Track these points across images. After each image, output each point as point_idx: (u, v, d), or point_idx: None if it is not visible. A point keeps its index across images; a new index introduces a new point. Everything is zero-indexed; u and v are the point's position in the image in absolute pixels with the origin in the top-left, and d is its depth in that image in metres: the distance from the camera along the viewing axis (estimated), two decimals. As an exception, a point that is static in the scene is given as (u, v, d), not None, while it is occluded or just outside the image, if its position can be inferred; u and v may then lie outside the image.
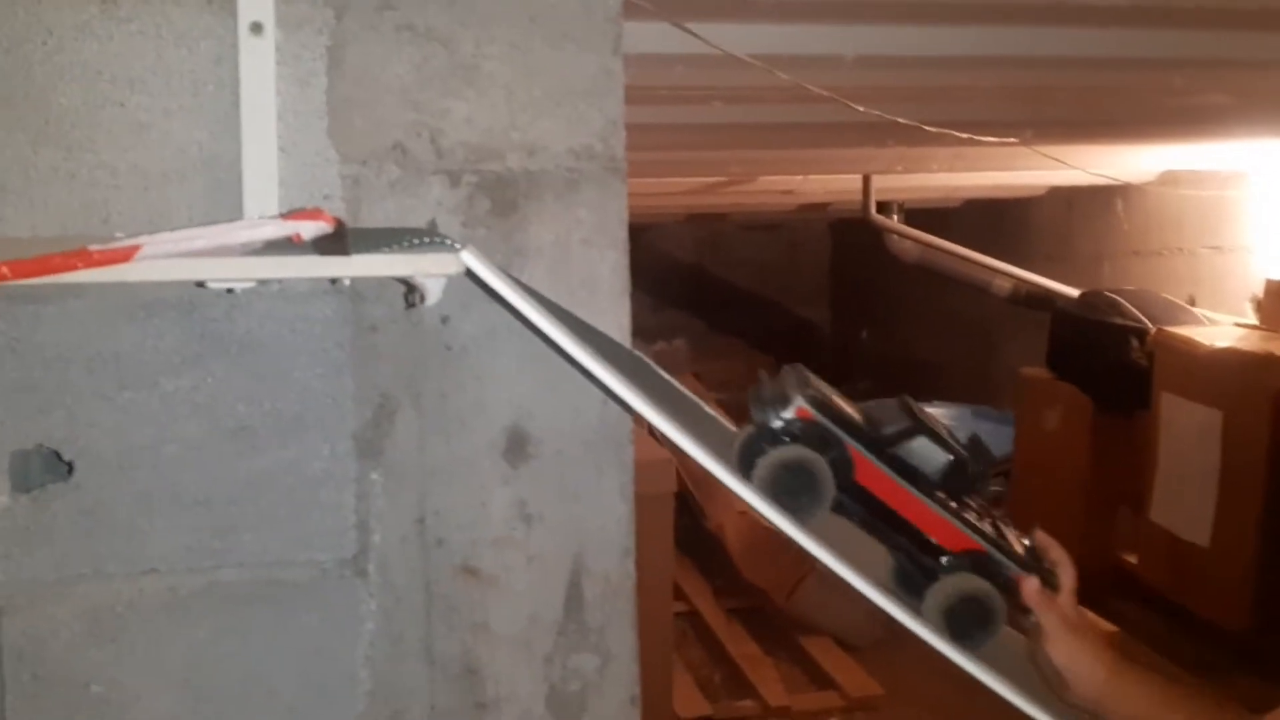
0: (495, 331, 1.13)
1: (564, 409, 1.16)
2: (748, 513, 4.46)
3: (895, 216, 5.75)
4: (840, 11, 1.72)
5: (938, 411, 6.54)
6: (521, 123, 1.13)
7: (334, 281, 1.01)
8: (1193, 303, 4.58)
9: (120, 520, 1.06)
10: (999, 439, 5.85)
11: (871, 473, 1.06)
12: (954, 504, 1.10)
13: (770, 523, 1.00)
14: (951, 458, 1.08)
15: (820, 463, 1.02)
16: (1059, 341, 4.66)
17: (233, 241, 0.77)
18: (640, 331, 1.20)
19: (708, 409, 1.31)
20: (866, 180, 5.15)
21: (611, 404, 1.16)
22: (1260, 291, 4.16)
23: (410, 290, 0.99)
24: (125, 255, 0.71)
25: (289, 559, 1.10)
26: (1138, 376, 4.04)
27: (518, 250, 1.14)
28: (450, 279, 0.97)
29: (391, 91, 1.10)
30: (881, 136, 2.98)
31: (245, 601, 1.09)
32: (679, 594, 4.39)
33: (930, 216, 6.06)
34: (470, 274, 0.82)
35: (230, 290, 1.00)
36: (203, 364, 1.06)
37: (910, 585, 1.10)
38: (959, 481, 1.09)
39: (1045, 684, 1.12)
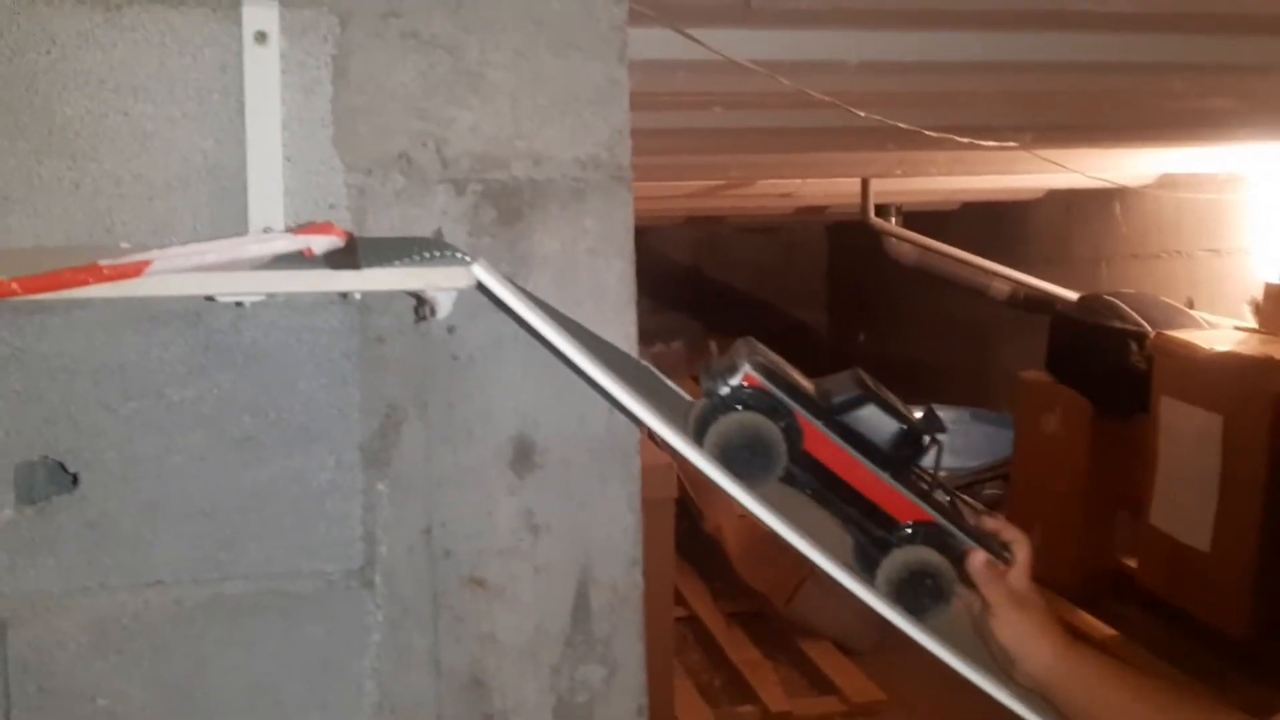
0: (501, 341, 1.12)
1: (570, 418, 1.15)
2: (746, 516, 4.45)
3: (894, 219, 5.75)
4: (843, 18, 1.72)
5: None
6: (527, 131, 1.13)
7: (344, 295, 1.01)
8: (1191, 306, 4.57)
9: (125, 532, 1.05)
10: (998, 442, 5.86)
11: (820, 441, 1.05)
12: (906, 475, 1.09)
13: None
14: (902, 426, 1.07)
15: (769, 426, 1.02)
16: (1058, 345, 4.65)
17: (243, 256, 0.76)
18: (638, 333, 1.20)
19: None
20: (865, 183, 5.14)
21: (618, 414, 1.16)
22: (1259, 295, 4.17)
23: (421, 304, 0.99)
24: (136, 270, 0.70)
25: (295, 570, 1.09)
26: (1137, 380, 4.04)
27: (523, 259, 1.13)
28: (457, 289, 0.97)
29: (396, 100, 1.10)
30: (881, 141, 2.98)
31: (251, 613, 1.08)
32: (678, 598, 4.39)
33: (928, 219, 6.06)
34: (481, 287, 0.81)
35: (239, 303, 0.99)
36: (208, 374, 1.06)
37: (866, 561, 1.10)
38: (910, 451, 1.08)
39: (995, 663, 1.10)
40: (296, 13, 1.06)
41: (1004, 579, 1.10)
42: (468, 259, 0.82)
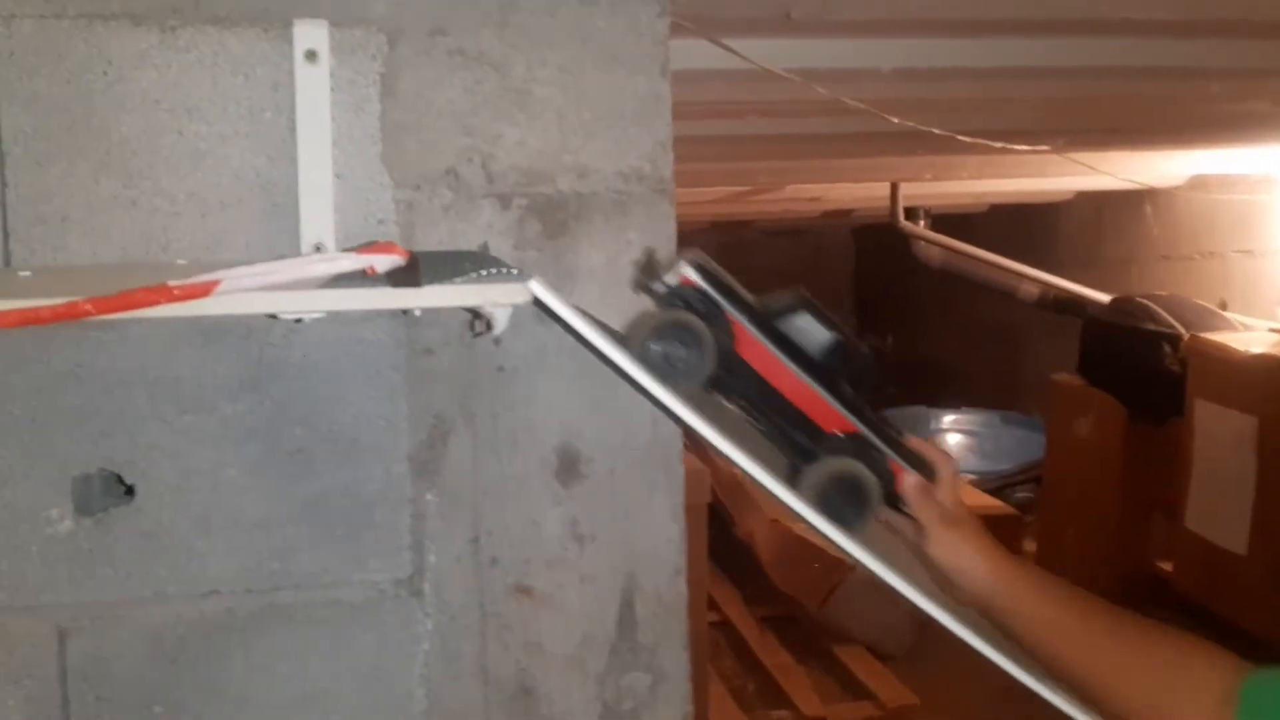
0: (545, 352, 1.14)
1: (615, 428, 1.16)
2: (779, 520, 4.46)
3: (921, 222, 5.74)
4: (881, 27, 1.72)
5: (966, 418, 6.54)
6: (572, 146, 1.14)
7: (405, 311, 1.02)
8: (1224, 307, 4.54)
9: (180, 543, 1.07)
10: (1029, 446, 5.85)
11: (752, 345, 1.05)
12: (837, 388, 1.09)
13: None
14: (835, 336, 1.08)
15: (699, 324, 1.00)
16: (1090, 348, 4.63)
17: (309, 275, 0.78)
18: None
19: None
20: (895, 187, 5.14)
21: (662, 423, 1.17)
22: (1293, 296, 4.14)
23: (476, 318, 1.00)
24: (205, 290, 0.72)
25: (346, 579, 1.11)
26: (1171, 383, 4.01)
27: (568, 272, 1.15)
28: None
29: (444, 116, 1.11)
30: (913, 146, 2.98)
31: (303, 622, 1.10)
32: (710, 603, 4.39)
33: (956, 221, 6.05)
34: (536, 301, 0.83)
35: (298, 320, 1.01)
36: (260, 388, 1.08)
37: (794, 478, 1.09)
38: (842, 363, 1.08)
39: (936, 584, 1.10)
40: (346, 32, 1.08)
41: (934, 498, 1.10)
42: (520, 274, 0.83)
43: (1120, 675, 0.99)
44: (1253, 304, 4.57)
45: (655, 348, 0.97)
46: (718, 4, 1.48)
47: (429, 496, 1.12)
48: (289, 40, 1.06)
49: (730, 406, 1.09)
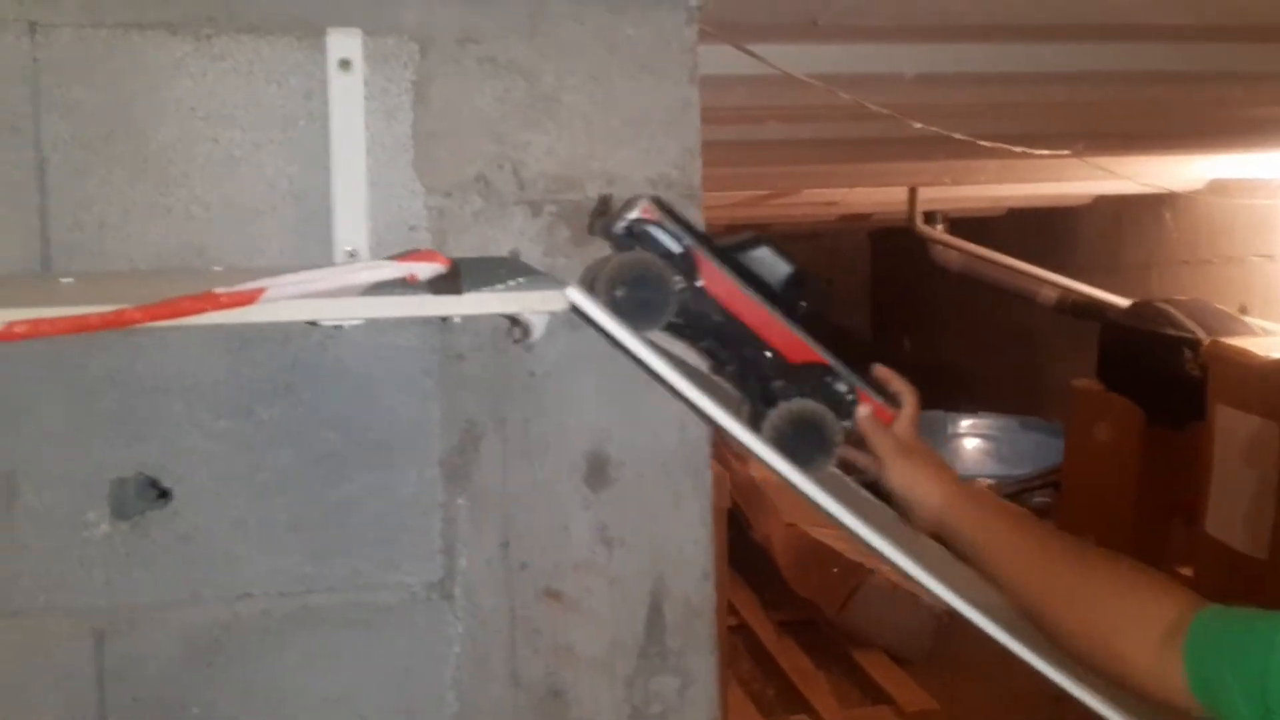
0: (576, 358, 1.15)
1: (643, 434, 1.17)
2: (796, 525, 4.46)
3: (940, 226, 5.73)
4: (902, 32, 1.73)
5: (985, 422, 6.53)
6: (600, 153, 1.15)
7: (445, 319, 1.03)
8: (1244, 311, 4.52)
9: (216, 546, 1.08)
10: (1047, 450, 5.82)
11: (716, 277, 1.06)
12: (797, 318, 1.10)
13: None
14: (794, 267, 1.09)
15: (658, 262, 1.01)
16: (1110, 353, 4.62)
17: (353, 283, 0.79)
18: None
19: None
20: (913, 191, 5.13)
21: (690, 428, 1.18)
22: (1315, 300, 4.12)
23: (514, 325, 1.01)
24: (251, 298, 0.73)
25: (378, 583, 1.12)
26: (1191, 388, 3.99)
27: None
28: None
29: (474, 124, 1.12)
30: (932, 150, 2.98)
31: (336, 624, 1.11)
32: (728, 608, 4.39)
33: (973, 226, 6.04)
34: (574, 308, 0.84)
35: (338, 326, 1.02)
36: (295, 393, 1.09)
37: (755, 422, 1.10)
38: (801, 295, 1.09)
39: (897, 513, 1.12)
40: (379, 40, 1.09)
41: (890, 429, 1.11)
42: (559, 282, 0.84)
43: (1073, 599, 0.98)
44: (1273, 308, 4.55)
45: (619, 293, 0.98)
46: (744, 10, 1.49)
47: (460, 501, 1.13)
48: (322, 49, 1.07)
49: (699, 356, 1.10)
